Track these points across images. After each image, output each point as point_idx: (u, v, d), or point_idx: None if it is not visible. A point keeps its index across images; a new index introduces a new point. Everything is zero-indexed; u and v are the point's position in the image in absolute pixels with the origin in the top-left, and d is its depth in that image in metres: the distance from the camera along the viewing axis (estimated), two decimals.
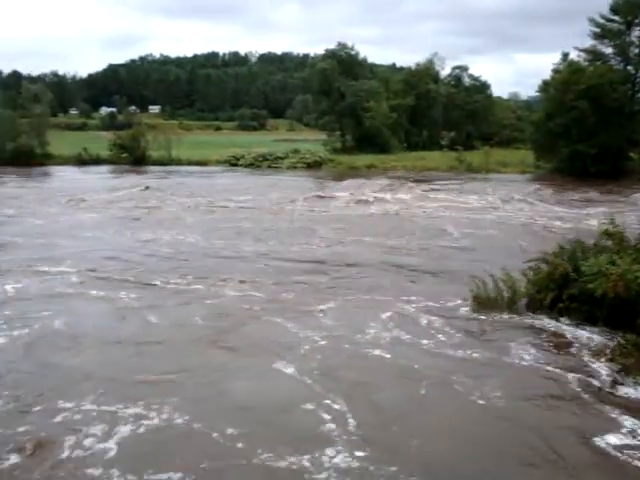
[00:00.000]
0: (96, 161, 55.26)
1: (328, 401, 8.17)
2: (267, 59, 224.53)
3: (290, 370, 9.21)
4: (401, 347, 10.21)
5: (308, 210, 26.74)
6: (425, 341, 10.48)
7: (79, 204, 28.51)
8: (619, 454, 7.05)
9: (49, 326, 11.14)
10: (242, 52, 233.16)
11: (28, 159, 53.31)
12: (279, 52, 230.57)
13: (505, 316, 11.75)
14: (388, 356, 9.80)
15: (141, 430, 7.47)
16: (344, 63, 66.53)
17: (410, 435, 7.42)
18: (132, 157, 54.88)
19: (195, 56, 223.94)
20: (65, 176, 45.24)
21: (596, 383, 8.84)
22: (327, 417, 7.75)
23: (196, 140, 72.07)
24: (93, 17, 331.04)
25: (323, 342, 10.36)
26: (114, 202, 29.07)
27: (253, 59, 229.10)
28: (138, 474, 6.55)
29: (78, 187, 35.56)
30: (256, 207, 27.55)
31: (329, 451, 7.00)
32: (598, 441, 7.31)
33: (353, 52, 68.73)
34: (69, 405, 8.04)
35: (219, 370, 9.29)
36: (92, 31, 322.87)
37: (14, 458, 6.84)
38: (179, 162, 54.49)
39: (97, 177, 44.29)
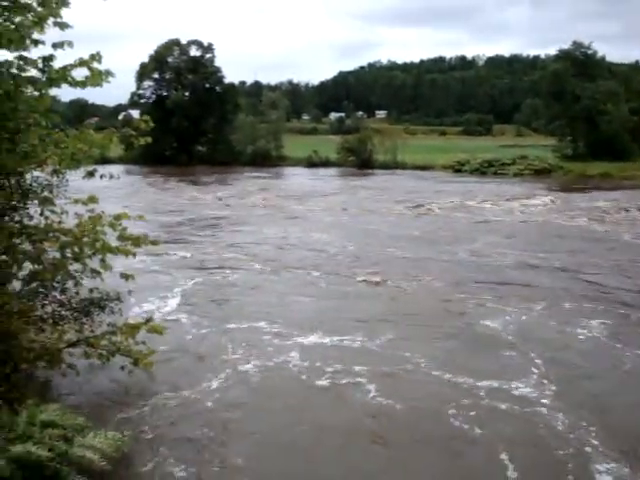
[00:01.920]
0: (325, 163, 58.12)
1: None
2: (494, 62, 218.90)
3: None
4: None
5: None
6: None
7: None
8: None
9: None
10: (469, 56, 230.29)
11: (264, 160, 57.73)
12: (507, 54, 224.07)
13: None
14: None
15: None
16: (579, 63, 62.64)
17: None
18: (359, 160, 56.75)
19: (421, 61, 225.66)
20: (298, 176, 48.13)
21: None
22: None
23: (421, 144, 72.41)
24: (324, 29, 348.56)
25: None
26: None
27: (480, 62, 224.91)
28: None
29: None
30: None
31: None
32: None
33: (590, 51, 64.46)
34: None
35: None
36: (323, 42, 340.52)
37: None
38: (404, 166, 55.24)
39: (334, 179, 46.45)
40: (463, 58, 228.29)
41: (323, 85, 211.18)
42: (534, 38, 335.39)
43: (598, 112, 57.64)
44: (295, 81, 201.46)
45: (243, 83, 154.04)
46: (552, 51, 67.18)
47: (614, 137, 56.99)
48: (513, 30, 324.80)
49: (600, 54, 65.68)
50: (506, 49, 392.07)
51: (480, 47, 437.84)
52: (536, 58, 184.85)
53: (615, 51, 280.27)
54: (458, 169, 52.64)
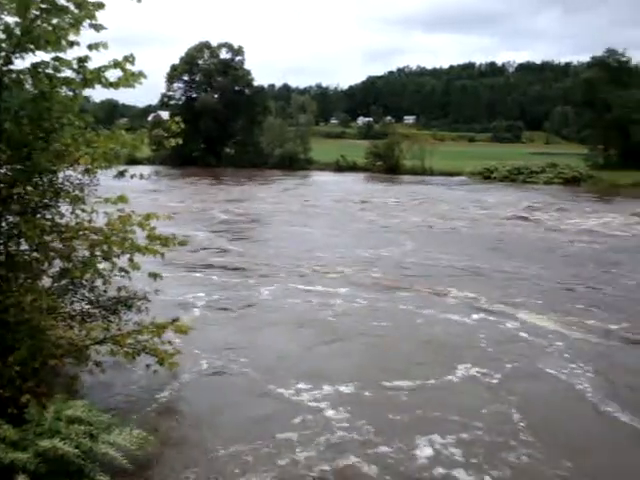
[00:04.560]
0: (352, 168, 58.12)
1: None
2: (525, 69, 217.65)
3: None
4: None
5: None
6: None
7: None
8: None
9: None
10: (499, 62, 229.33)
11: (292, 163, 57.96)
12: (538, 61, 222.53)
13: None
14: None
15: None
16: (612, 71, 61.89)
17: None
18: (386, 165, 56.67)
19: (451, 67, 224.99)
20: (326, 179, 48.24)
21: None
22: None
23: (449, 151, 72.10)
24: (354, 33, 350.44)
25: None
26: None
27: (510, 69, 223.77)
28: None
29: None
30: None
31: None
32: None
33: (624, 58, 63.62)
34: None
35: None
36: (353, 46, 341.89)
37: None
38: (432, 172, 55.04)
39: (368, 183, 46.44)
40: (493, 64, 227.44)
41: (352, 89, 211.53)
42: (566, 45, 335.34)
43: (630, 121, 56.79)
44: (324, 85, 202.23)
45: (272, 86, 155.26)
46: (584, 58, 66.44)
47: None
48: (544, 36, 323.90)
49: (635, 62, 64.79)
50: (537, 56, 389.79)
51: (510, 53, 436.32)
52: (568, 65, 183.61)
53: None
54: (487, 176, 52.28)
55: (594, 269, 17.29)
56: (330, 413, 8.03)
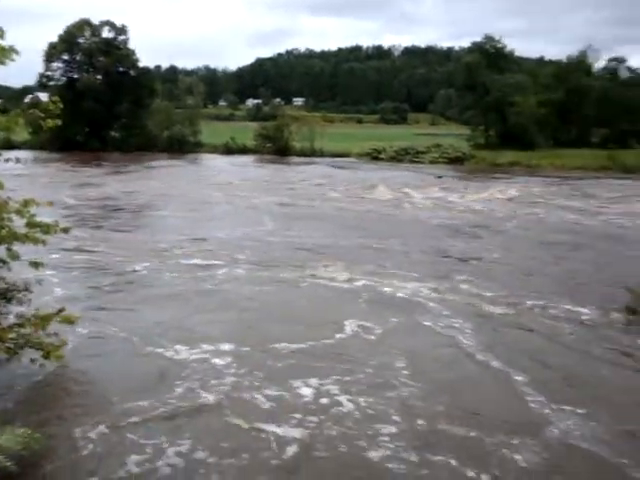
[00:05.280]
0: (242, 150, 57.55)
1: None
2: (410, 53, 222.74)
3: None
4: None
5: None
6: None
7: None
8: None
9: None
10: (385, 46, 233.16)
11: (181, 146, 56.63)
12: (422, 46, 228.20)
13: None
14: None
15: None
16: (490, 57, 64.68)
17: None
18: (276, 147, 56.59)
19: (339, 50, 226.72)
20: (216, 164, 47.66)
21: None
22: None
23: (338, 132, 72.84)
24: (241, 15, 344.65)
25: None
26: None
27: (396, 53, 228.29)
28: None
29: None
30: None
31: None
32: None
33: (499, 45, 66.55)
34: None
35: None
36: (240, 28, 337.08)
37: None
38: (322, 153, 55.47)
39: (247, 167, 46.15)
40: (379, 48, 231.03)
41: (240, 71, 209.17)
42: (448, 31, 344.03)
43: (508, 104, 59.79)
44: (212, 67, 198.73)
45: (158, 67, 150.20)
46: (465, 43, 68.89)
47: (523, 128, 59.28)
48: (428, 22, 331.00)
49: (510, 48, 68.02)
50: (420, 40, 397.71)
51: (395, 37, 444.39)
52: (450, 50, 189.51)
53: (521, 46, 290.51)
54: (375, 156, 53.37)
55: (459, 240, 18.81)
56: (218, 362, 8.84)
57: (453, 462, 6.55)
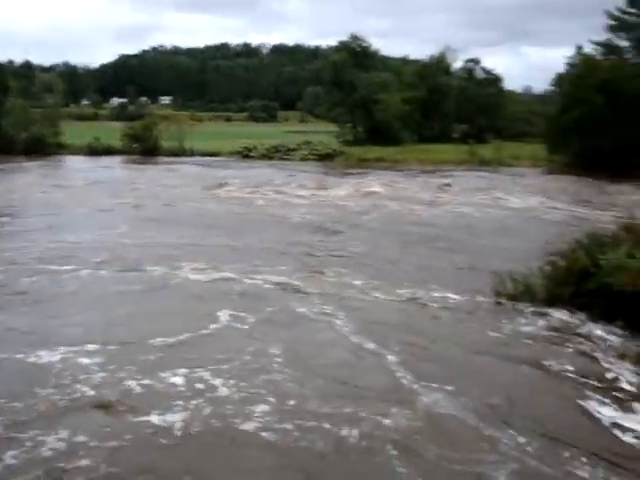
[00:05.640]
0: (108, 151, 55.19)
1: None
2: (278, 51, 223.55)
3: None
4: None
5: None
6: None
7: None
8: None
9: None
10: (254, 44, 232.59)
11: (42, 148, 53.53)
12: (290, 44, 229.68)
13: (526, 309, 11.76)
14: None
15: None
16: (356, 55, 66.34)
17: None
18: (143, 147, 54.94)
19: (206, 47, 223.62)
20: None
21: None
22: None
23: (208, 131, 71.90)
24: (105, 8, 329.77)
25: None
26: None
27: (265, 51, 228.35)
28: None
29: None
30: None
31: None
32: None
33: (365, 44, 68.41)
34: None
35: None
36: (104, 22, 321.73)
37: None
38: (192, 153, 54.52)
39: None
40: (247, 45, 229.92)
41: (104, 68, 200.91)
42: (314, 29, 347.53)
43: (373, 101, 61.78)
44: (72, 63, 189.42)
45: (11, 62, 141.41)
46: (332, 42, 70.23)
47: (388, 124, 61.51)
48: (294, 21, 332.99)
49: (375, 48, 70.17)
50: (287, 38, 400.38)
51: (262, 36, 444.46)
52: (317, 48, 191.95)
53: (387, 46, 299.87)
54: (246, 154, 53.13)
55: (322, 235, 19.59)
56: (86, 362, 8.73)
57: (327, 425, 7.23)
